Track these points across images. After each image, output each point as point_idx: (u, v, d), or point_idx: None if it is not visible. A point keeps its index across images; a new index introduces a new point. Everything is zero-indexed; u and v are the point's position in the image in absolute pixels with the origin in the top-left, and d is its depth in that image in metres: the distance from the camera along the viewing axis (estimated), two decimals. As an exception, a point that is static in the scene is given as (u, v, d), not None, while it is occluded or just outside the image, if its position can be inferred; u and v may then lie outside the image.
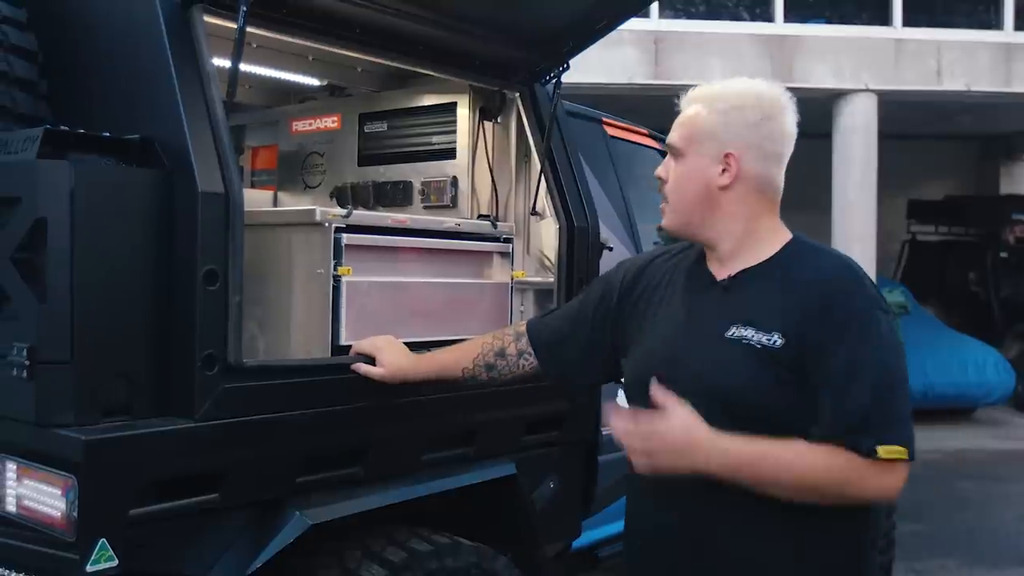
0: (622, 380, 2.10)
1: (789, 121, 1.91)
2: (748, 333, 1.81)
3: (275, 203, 3.65)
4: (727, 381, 1.81)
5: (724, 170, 1.88)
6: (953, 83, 10.16)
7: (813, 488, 1.74)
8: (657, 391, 1.79)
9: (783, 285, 1.85)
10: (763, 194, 1.91)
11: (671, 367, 1.87)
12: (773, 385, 1.78)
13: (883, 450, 1.71)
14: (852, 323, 1.78)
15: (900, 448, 1.72)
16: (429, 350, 2.47)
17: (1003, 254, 12.50)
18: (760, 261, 1.90)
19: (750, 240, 1.91)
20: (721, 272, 1.93)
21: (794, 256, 1.89)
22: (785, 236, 1.93)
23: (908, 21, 10.46)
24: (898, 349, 1.81)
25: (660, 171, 1.96)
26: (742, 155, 1.87)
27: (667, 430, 1.75)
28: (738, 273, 1.90)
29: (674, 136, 1.94)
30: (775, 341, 1.78)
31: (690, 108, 1.93)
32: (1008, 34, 10.63)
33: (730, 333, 1.83)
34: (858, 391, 1.74)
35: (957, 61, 10.16)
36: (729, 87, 1.93)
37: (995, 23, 10.80)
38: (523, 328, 2.29)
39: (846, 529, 1.85)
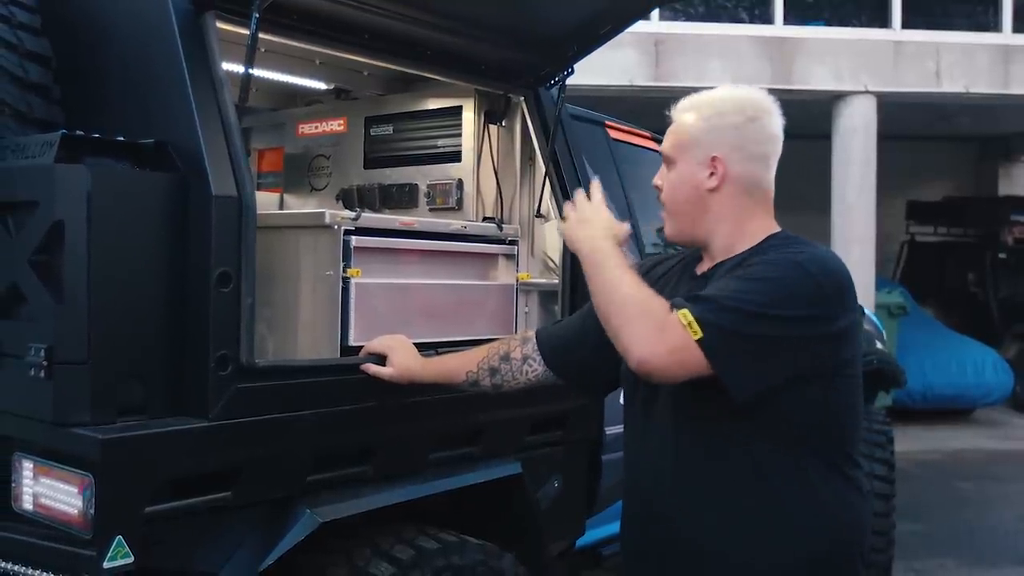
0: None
1: (773, 123, 1.97)
2: None
3: (281, 205, 3.68)
4: None
5: (711, 173, 1.95)
6: (952, 85, 10.19)
7: (625, 303, 1.81)
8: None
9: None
10: (751, 195, 1.97)
11: None
12: None
13: (681, 313, 1.75)
14: (762, 256, 1.87)
15: (692, 317, 1.74)
16: (436, 351, 2.50)
17: (1002, 255, 12.52)
18: (737, 253, 1.96)
19: (743, 239, 1.96)
20: (703, 267, 2.02)
21: (769, 247, 1.94)
22: (771, 228, 1.99)
23: (907, 23, 10.48)
24: (781, 282, 1.80)
25: (657, 180, 2.04)
26: (727, 157, 1.94)
27: (590, 205, 2.01)
28: (716, 264, 1.98)
29: (665, 145, 2.02)
30: None
31: (678, 117, 2.01)
32: (1006, 36, 10.65)
33: None
34: (723, 285, 1.83)
35: (956, 63, 10.18)
36: (712, 94, 2.00)
37: (993, 25, 10.82)
38: (530, 334, 2.33)
39: (835, 528, 1.89)
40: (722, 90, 2.01)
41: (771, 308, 1.77)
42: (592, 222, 1.98)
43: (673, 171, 2.00)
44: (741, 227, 1.96)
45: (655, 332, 1.76)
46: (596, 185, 2.05)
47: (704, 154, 1.95)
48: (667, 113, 2.04)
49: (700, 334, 1.73)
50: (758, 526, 1.86)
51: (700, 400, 1.85)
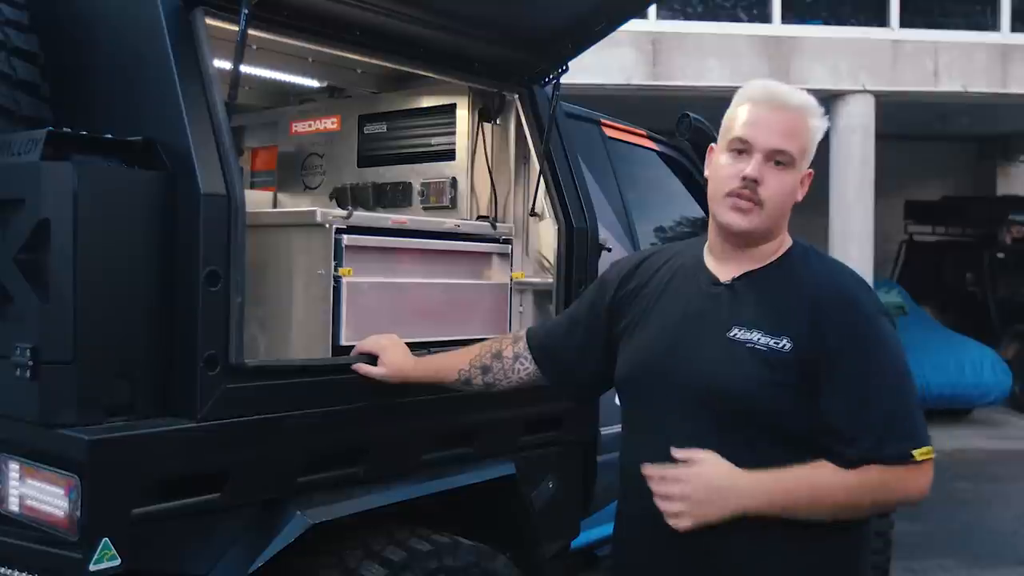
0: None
1: None
2: (754, 336, 1.83)
3: (275, 204, 3.66)
4: (728, 381, 1.82)
5: (801, 183, 1.94)
6: (950, 84, 10.19)
7: (850, 506, 1.81)
8: (654, 470, 1.84)
9: (789, 289, 1.88)
10: None
11: (669, 361, 1.90)
12: (775, 388, 1.80)
13: (918, 453, 1.78)
14: (862, 330, 1.84)
15: (929, 448, 1.80)
16: (429, 351, 2.48)
17: (1000, 254, 12.52)
18: (765, 264, 1.93)
19: (773, 245, 1.95)
20: (724, 273, 1.95)
21: (798, 260, 1.94)
22: (789, 241, 1.98)
23: (905, 22, 10.48)
24: (903, 352, 1.87)
25: (753, 172, 1.86)
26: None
27: (706, 471, 1.80)
28: (744, 275, 1.93)
29: (789, 144, 1.87)
30: (784, 345, 1.81)
31: (802, 117, 1.91)
32: (1004, 35, 10.66)
33: (733, 334, 1.85)
34: (878, 399, 1.80)
35: (954, 62, 10.18)
36: (815, 101, 1.96)
37: (992, 24, 10.82)
38: (522, 333, 2.31)
39: (840, 533, 1.86)
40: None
41: (911, 371, 1.88)
42: (718, 478, 1.81)
43: (788, 173, 1.88)
44: (784, 236, 1.98)
45: (922, 480, 1.81)
46: (683, 452, 1.83)
47: (807, 165, 1.94)
48: (778, 98, 1.90)
49: (932, 449, 1.81)
50: (794, 535, 1.82)
51: (749, 426, 1.81)
